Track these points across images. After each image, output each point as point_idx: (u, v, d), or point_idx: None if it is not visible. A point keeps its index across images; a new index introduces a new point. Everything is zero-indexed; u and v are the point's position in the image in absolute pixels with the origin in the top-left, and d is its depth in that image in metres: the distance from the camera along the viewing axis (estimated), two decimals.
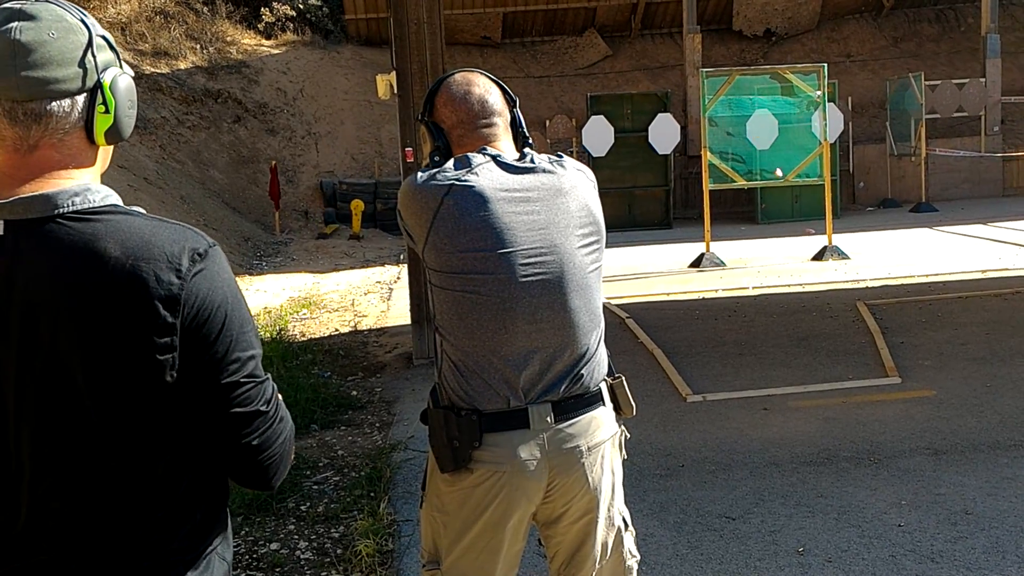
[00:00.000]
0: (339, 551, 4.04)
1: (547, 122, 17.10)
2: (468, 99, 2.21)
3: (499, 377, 2.09)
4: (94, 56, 1.38)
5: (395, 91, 6.88)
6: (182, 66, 17.41)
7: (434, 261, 2.11)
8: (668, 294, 9.63)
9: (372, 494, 4.61)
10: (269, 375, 1.48)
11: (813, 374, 6.38)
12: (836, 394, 5.90)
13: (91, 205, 1.36)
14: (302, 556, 4.04)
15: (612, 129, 15.08)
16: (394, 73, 6.83)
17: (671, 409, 5.79)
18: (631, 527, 2.33)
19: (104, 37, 1.42)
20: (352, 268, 12.90)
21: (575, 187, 2.17)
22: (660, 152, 15.37)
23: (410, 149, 6.83)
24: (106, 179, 1.49)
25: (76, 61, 1.36)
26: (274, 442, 1.45)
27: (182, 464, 1.41)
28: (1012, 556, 3.65)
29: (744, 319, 8.20)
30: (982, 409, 5.42)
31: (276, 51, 18.91)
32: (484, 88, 2.23)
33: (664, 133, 15.18)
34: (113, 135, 1.42)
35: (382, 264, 13.16)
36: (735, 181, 11.52)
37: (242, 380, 1.40)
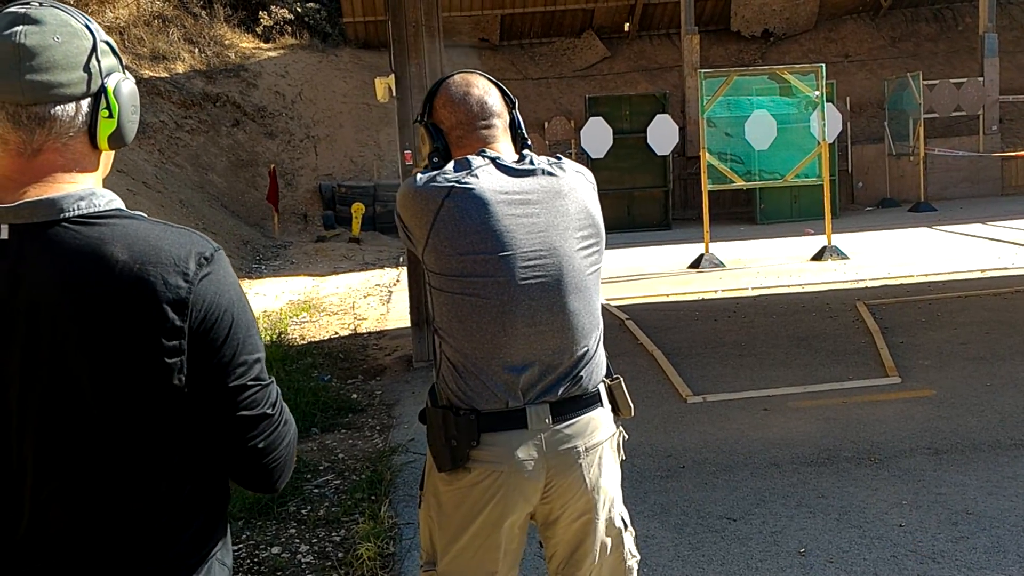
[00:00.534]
0: (340, 555, 4.04)
1: (546, 124, 17.11)
2: (467, 100, 2.21)
3: (498, 378, 2.08)
4: (98, 61, 1.39)
5: (394, 94, 6.88)
6: (180, 70, 17.41)
7: (434, 263, 2.11)
8: (667, 295, 9.63)
9: (373, 497, 4.61)
10: (273, 378, 1.48)
11: (813, 374, 6.38)
12: (836, 394, 5.90)
13: (96, 209, 1.36)
14: (303, 560, 4.03)
15: (611, 130, 15.08)
16: (392, 76, 6.83)
17: (671, 410, 5.79)
18: (630, 527, 2.32)
19: (108, 43, 1.42)
20: (351, 271, 12.90)
21: (574, 189, 2.16)
22: (659, 153, 15.38)
23: (409, 152, 6.83)
24: (105, 183, 1.49)
25: (80, 66, 1.36)
26: (279, 445, 1.46)
27: (186, 468, 1.41)
28: (1013, 555, 3.65)
29: (744, 320, 8.20)
30: (982, 408, 5.42)
31: (274, 54, 18.92)
32: (483, 89, 2.24)
33: (663, 134, 15.18)
34: (116, 140, 1.42)
35: (381, 267, 13.17)
36: (734, 182, 11.52)
37: (249, 383, 1.41)
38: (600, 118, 15.25)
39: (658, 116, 15.36)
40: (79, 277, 1.31)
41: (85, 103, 1.38)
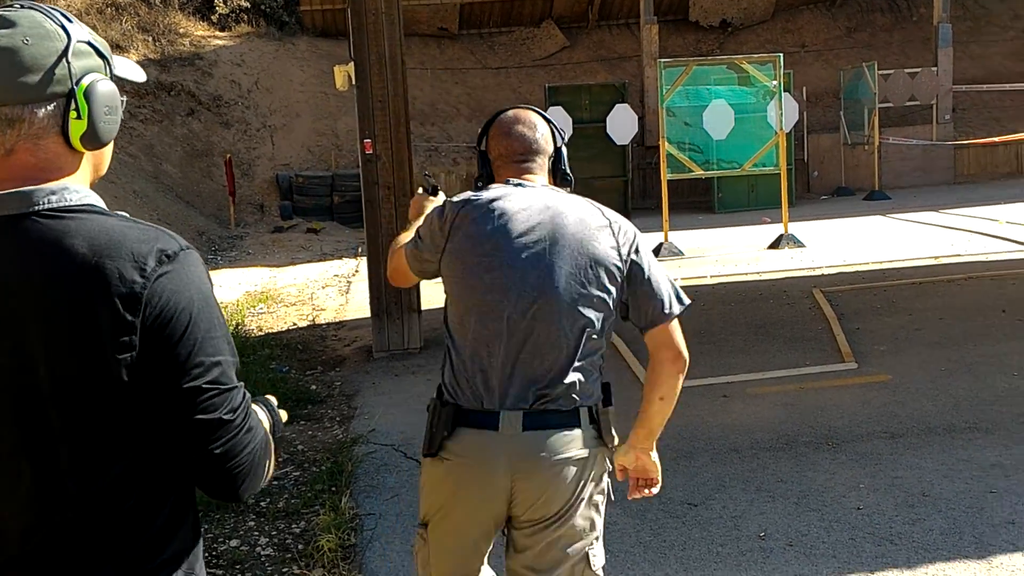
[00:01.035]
0: (300, 547, 4.00)
1: None
2: (511, 134, 2.41)
3: (481, 380, 2.26)
4: (68, 63, 1.39)
5: (353, 82, 6.81)
6: (134, 58, 17.13)
7: (447, 268, 2.33)
8: None
9: (333, 488, 4.57)
10: (242, 384, 1.44)
11: (771, 361, 6.43)
12: (794, 380, 5.95)
13: (67, 203, 1.38)
14: (263, 552, 3.99)
15: (570, 120, 15.08)
16: (352, 64, 6.76)
17: (632, 398, 5.74)
18: (595, 569, 2.38)
19: (90, 43, 1.43)
20: (309, 262, 12.79)
21: (587, 227, 2.30)
22: (618, 143, 15.42)
23: (369, 141, 6.77)
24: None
25: (48, 68, 1.38)
26: (240, 452, 1.42)
27: (143, 460, 1.40)
28: (968, 537, 3.70)
29: (702, 308, 8.25)
30: (937, 393, 5.50)
31: (230, 43, 18.68)
32: (529, 126, 2.42)
33: (622, 124, 15.22)
34: (90, 140, 1.42)
35: (339, 257, 13.07)
36: (693, 171, 11.58)
37: (204, 386, 1.38)
38: (560, 108, 15.24)
39: (617, 106, 15.40)
40: (40, 267, 1.33)
41: (54, 104, 1.39)
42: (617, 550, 3.74)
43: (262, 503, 4.54)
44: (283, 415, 1.69)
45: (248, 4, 18.99)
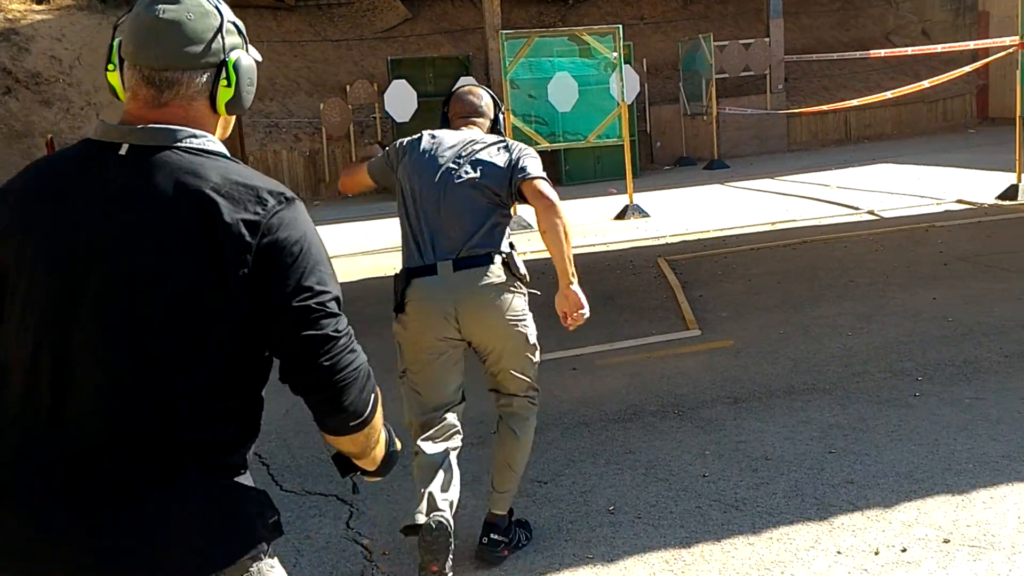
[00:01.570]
0: None
1: (347, 87, 16.64)
2: (463, 100, 3.63)
3: (417, 245, 3.34)
4: (223, 38, 1.66)
5: None
6: None
7: (401, 179, 3.44)
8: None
9: None
10: (346, 319, 1.67)
11: (619, 331, 6.45)
12: (641, 350, 5.98)
13: (204, 147, 1.63)
14: None
15: (415, 93, 14.86)
16: None
17: (481, 376, 5.70)
18: (534, 340, 3.52)
19: (234, 23, 1.69)
20: None
21: (488, 144, 3.46)
22: None
23: None
24: None
25: (207, 41, 1.64)
26: (345, 366, 1.63)
27: (227, 379, 1.62)
28: (811, 498, 3.77)
29: (550, 281, 8.18)
30: (776, 356, 5.63)
31: (49, 16, 17.46)
32: (477, 96, 3.64)
33: None
34: (233, 106, 1.70)
35: None
36: (539, 143, 11.55)
37: (313, 306, 1.61)
38: (403, 81, 14.99)
39: (462, 79, 15.24)
40: (183, 185, 1.58)
41: (208, 73, 1.65)
42: (466, 535, 3.63)
43: None
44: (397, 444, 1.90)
45: None
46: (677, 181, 15.31)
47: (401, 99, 14.81)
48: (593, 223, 11.46)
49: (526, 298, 3.49)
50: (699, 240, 9.65)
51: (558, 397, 5.21)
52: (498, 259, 3.32)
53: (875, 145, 18.25)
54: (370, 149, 3.77)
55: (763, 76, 18.35)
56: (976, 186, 11.50)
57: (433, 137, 3.48)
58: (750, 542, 3.47)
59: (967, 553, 3.27)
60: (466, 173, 3.36)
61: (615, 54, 11.14)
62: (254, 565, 1.63)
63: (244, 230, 1.57)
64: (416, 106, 14.71)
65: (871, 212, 10.48)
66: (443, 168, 3.37)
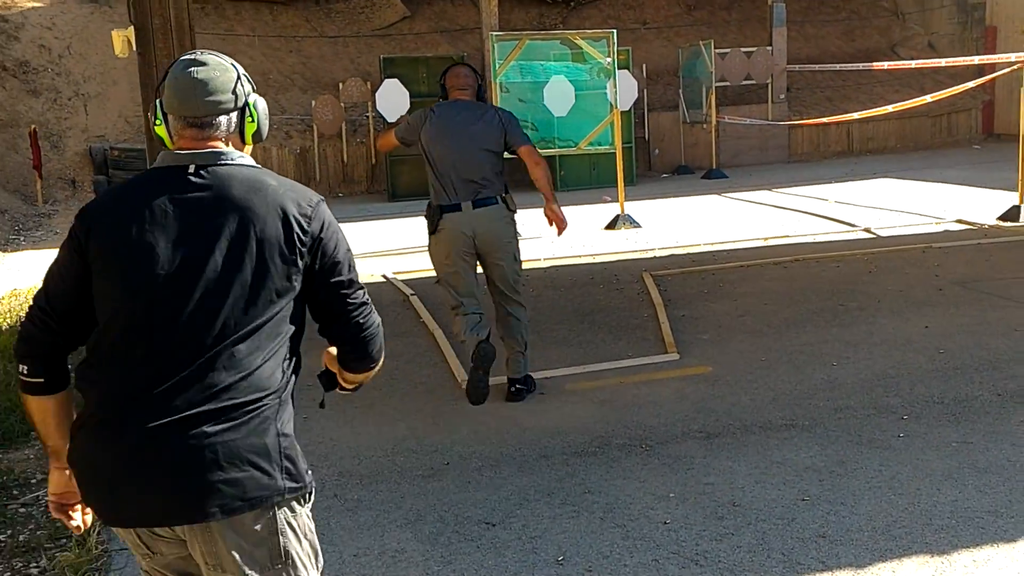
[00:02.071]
0: None
1: (340, 85, 16.33)
2: (456, 75, 5.19)
3: (444, 189, 5.00)
4: (243, 86, 2.15)
5: (134, 48, 6.10)
6: None
7: (425, 143, 5.05)
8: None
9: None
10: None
11: (594, 352, 6.15)
12: (614, 374, 5.68)
13: (249, 163, 2.14)
14: None
15: (407, 93, 14.55)
16: (132, 28, 6.05)
17: (445, 398, 5.41)
18: (519, 257, 5.32)
19: (244, 75, 2.17)
20: None
21: (487, 108, 5.23)
22: None
23: None
24: None
25: (231, 90, 2.12)
26: (372, 323, 2.22)
27: (283, 331, 2.09)
28: (777, 553, 3.46)
29: (532, 294, 7.91)
30: (756, 386, 5.32)
31: (39, 4, 17.17)
32: (466, 72, 5.21)
33: None
34: (256, 137, 2.20)
35: None
36: None
37: (353, 280, 2.19)
38: (396, 80, 14.69)
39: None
40: (251, 188, 2.07)
41: (235, 114, 2.14)
42: None
43: (2, 536, 3.92)
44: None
45: None
46: (673, 190, 15.00)
47: (393, 98, 14.51)
48: (583, 232, 11.15)
49: (515, 224, 5.25)
50: (688, 255, 9.33)
51: (521, 424, 4.91)
52: (499, 200, 5.09)
53: (877, 159, 17.93)
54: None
55: (765, 85, 18.03)
56: (977, 205, 11.18)
57: (444, 109, 5.14)
58: None
59: None
60: (473, 137, 5.03)
61: (609, 59, 10.82)
62: (301, 504, 2.11)
63: (303, 222, 2.09)
64: (409, 106, 14.38)
65: (867, 230, 10.16)
66: (457, 133, 5.03)
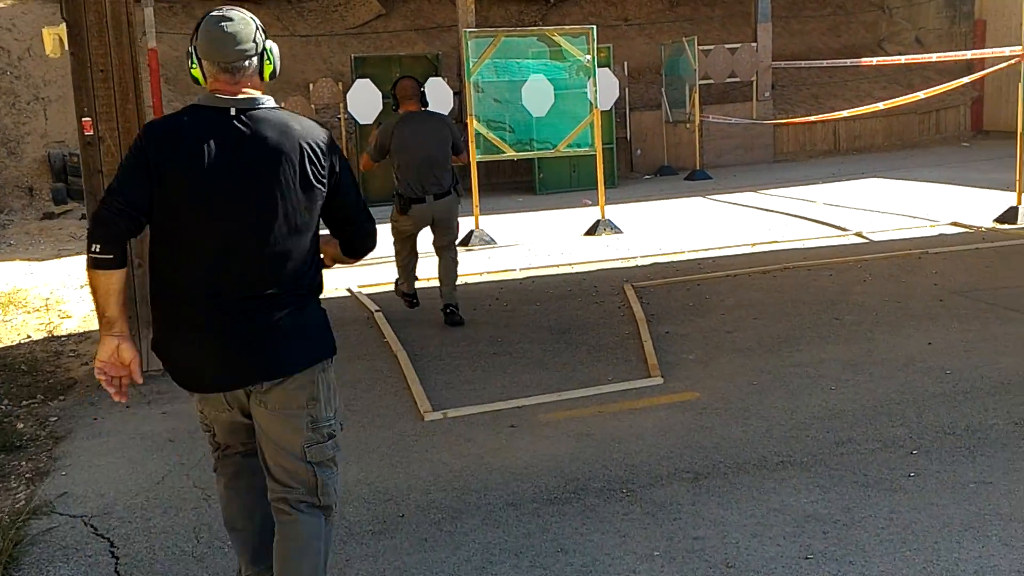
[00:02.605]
0: None
1: (311, 86, 15.77)
2: (405, 88, 6.75)
3: (411, 185, 6.63)
4: (262, 35, 2.81)
5: (66, 47, 5.56)
6: None
7: (393, 150, 6.61)
8: (428, 279, 8.70)
9: None
10: None
11: (571, 376, 5.64)
12: (592, 402, 5.17)
13: (273, 105, 2.80)
14: None
15: (380, 94, 13.99)
16: (64, 26, 5.51)
17: (404, 432, 4.89)
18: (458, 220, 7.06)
19: (261, 25, 2.83)
20: (79, 254, 11.22)
21: (436, 119, 6.95)
22: None
23: (88, 120, 5.55)
24: None
25: (253, 38, 2.77)
26: (372, 224, 3.02)
27: (312, 236, 2.85)
28: None
29: (505, 308, 7.42)
30: (747, 415, 4.83)
31: (0, 5, 16.54)
32: (412, 85, 6.78)
33: (437, 98, 14.23)
34: (272, 76, 2.86)
35: None
36: (504, 152, 10.73)
37: (358, 192, 3.00)
38: (367, 80, 14.14)
39: (431, 79, 14.40)
40: (281, 131, 2.74)
41: (256, 58, 2.78)
42: None
43: None
44: None
45: None
46: (656, 192, 14.52)
47: (365, 100, 13.98)
48: (561, 239, 10.66)
49: (459, 203, 6.92)
50: (672, 263, 8.84)
51: (488, 465, 4.39)
52: (452, 191, 6.75)
53: (865, 157, 17.51)
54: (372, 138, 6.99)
55: (749, 83, 17.57)
56: (972, 206, 10.74)
57: (405, 122, 6.64)
58: None
59: None
60: (431, 145, 6.62)
61: (588, 57, 10.32)
62: (330, 364, 2.91)
63: (324, 148, 2.81)
64: (381, 107, 13.84)
65: (859, 234, 9.69)
66: (418, 143, 6.58)
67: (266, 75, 2.80)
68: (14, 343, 7.20)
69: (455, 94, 14.82)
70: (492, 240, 10.62)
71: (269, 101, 2.76)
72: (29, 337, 7.37)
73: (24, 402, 5.77)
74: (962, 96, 18.61)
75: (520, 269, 8.95)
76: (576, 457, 4.43)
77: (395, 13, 19.10)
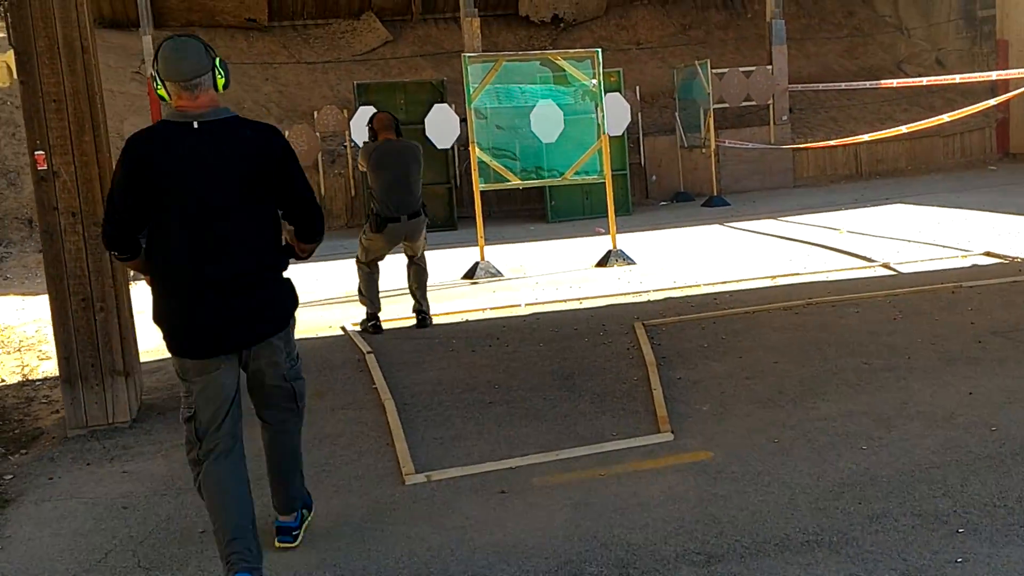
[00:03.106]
0: None
1: (315, 113, 15.40)
2: (381, 121, 7.79)
3: (387, 206, 7.45)
4: (210, 53, 3.43)
5: (14, 76, 5.14)
6: None
7: (370, 173, 7.54)
8: (405, 318, 8.21)
9: None
10: None
11: (571, 430, 5.12)
12: (594, 462, 4.64)
13: (229, 115, 3.43)
14: None
15: None
16: (11, 52, 5.09)
17: (381, 498, 4.37)
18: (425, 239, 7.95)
19: (207, 43, 3.47)
20: None
21: (411, 146, 7.80)
22: (439, 146, 14.01)
23: (41, 153, 5.11)
24: None
25: (204, 56, 3.40)
26: (318, 210, 3.68)
27: (274, 221, 3.56)
28: None
29: (506, 350, 6.90)
30: (767, 480, 4.28)
31: (3, 34, 16.30)
32: (388, 118, 7.84)
33: (442, 125, 13.84)
34: (224, 87, 3.47)
35: None
36: (508, 180, 10.25)
37: (305, 183, 3.61)
38: (371, 107, 13.73)
39: (436, 106, 14.01)
40: (237, 136, 3.41)
41: (210, 73, 3.40)
42: None
43: None
44: None
45: None
46: (672, 220, 14.01)
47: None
48: (571, 270, 10.16)
49: (426, 221, 7.72)
50: (687, 298, 8.32)
51: (471, 542, 3.87)
52: (422, 212, 7.58)
53: (888, 182, 16.95)
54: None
55: (766, 106, 17.08)
56: (1005, 234, 10.17)
57: (383, 147, 7.54)
58: None
59: None
60: (407, 167, 7.50)
61: (594, 81, 9.84)
62: (292, 321, 3.71)
63: (275, 147, 3.50)
64: None
65: (886, 265, 9.14)
66: (394, 168, 7.43)
67: (219, 87, 3.45)
68: None
69: (461, 121, 14.39)
70: (498, 272, 10.13)
71: (225, 111, 3.43)
72: (3, 381, 6.92)
73: None
74: (987, 118, 18.04)
75: (525, 304, 8.45)
76: (571, 533, 3.90)
77: (402, 39, 18.77)
